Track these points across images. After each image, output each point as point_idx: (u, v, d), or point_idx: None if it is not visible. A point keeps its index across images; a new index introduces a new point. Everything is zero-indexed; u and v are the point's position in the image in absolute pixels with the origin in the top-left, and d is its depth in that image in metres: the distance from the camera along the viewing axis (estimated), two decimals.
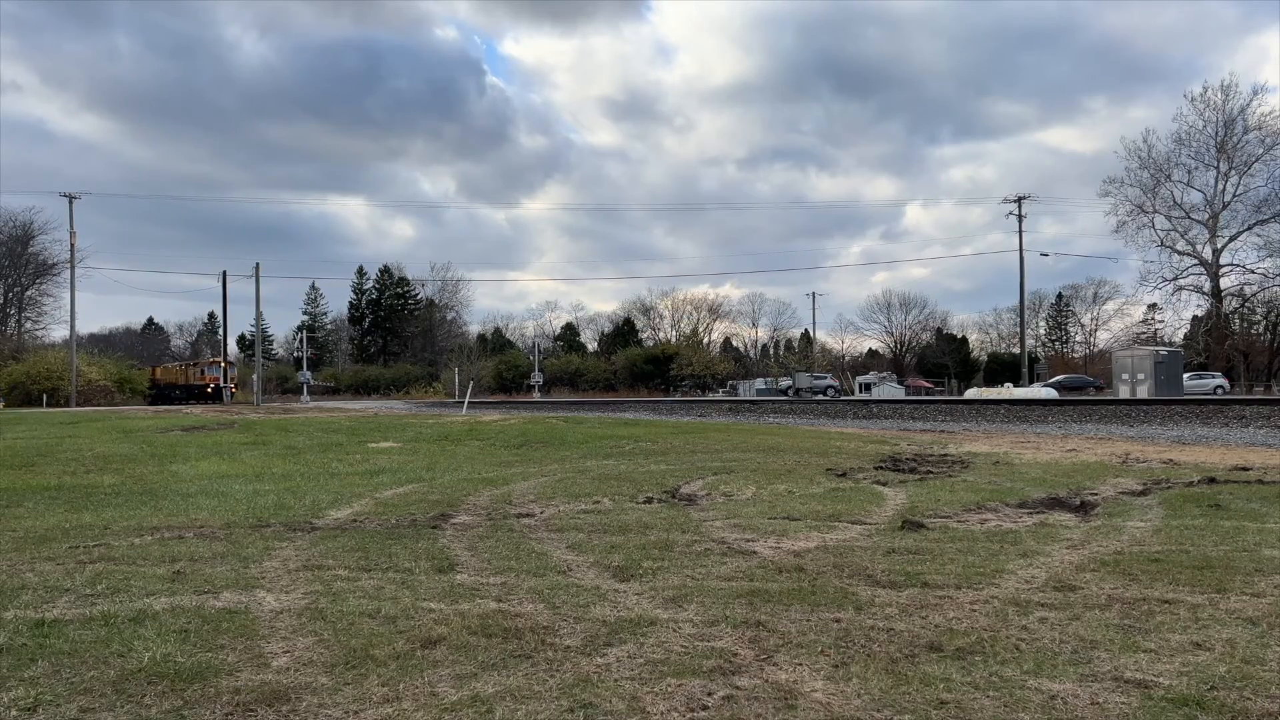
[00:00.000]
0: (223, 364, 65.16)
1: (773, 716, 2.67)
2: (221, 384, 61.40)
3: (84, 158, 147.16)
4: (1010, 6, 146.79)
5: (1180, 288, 62.27)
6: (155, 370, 72.91)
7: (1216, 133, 59.41)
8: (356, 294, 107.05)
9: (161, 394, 63.55)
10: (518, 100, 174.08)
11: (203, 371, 65.27)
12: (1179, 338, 69.55)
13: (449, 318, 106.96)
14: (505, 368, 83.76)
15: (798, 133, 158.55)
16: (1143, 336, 74.31)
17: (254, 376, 58.79)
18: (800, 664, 3.12)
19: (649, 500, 7.36)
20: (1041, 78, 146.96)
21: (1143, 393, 36.98)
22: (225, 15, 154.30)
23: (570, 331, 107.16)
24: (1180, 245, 61.97)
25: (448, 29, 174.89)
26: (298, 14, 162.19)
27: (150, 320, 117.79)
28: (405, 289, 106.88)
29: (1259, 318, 64.95)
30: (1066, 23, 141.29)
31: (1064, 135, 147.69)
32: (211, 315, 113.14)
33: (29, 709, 2.80)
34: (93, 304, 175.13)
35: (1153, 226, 61.83)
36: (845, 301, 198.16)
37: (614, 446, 13.29)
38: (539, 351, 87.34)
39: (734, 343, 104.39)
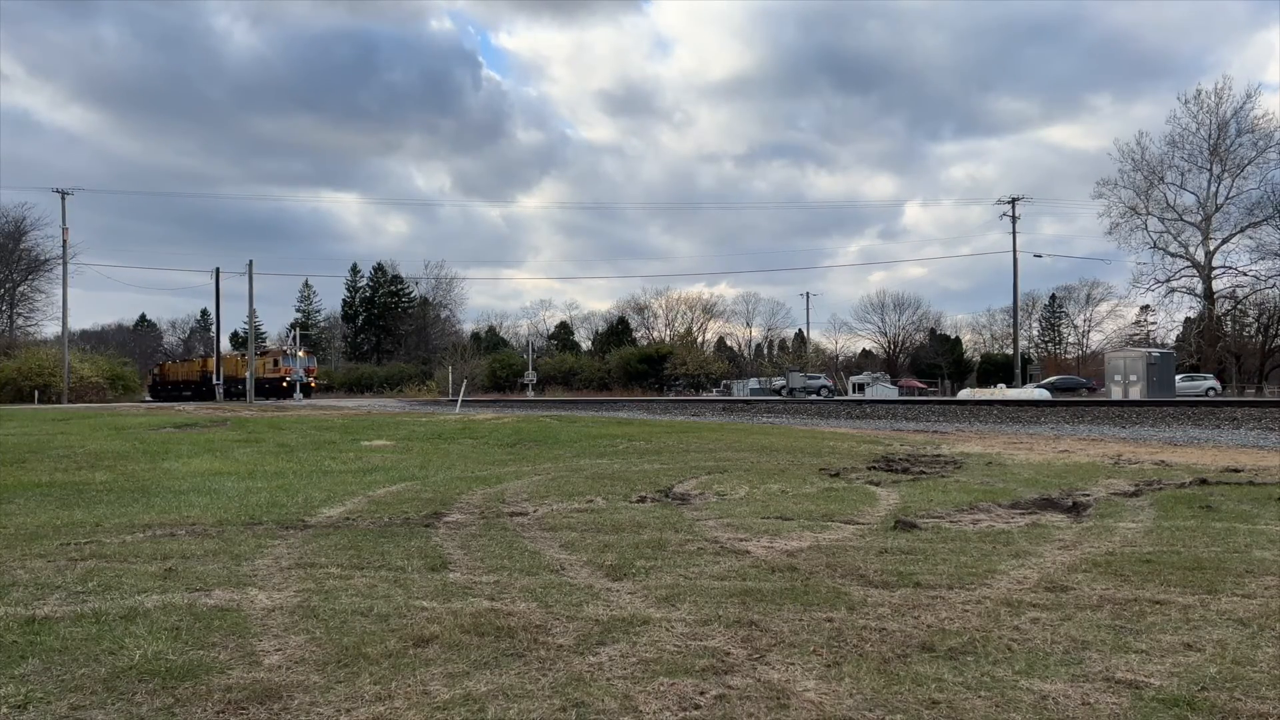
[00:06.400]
0: (299, 354, 61.18)
1: (765, 716, 2.67)
2: (301, 378, 58.02)
3: (71, 150, 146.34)
4: (1015, 1, 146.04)
5: (1173, 290, 62.59)
6: (205, 361, 66.62)
7: (1210, 135, 59.71)
8: (350, 291, 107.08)
9: (212, 389, 58.74)
10: (514, 94, 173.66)
11: (276, 363, 60.55)
12: (1171, 340, 69.94)
13: (443, 316, 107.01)
14: (499, 366, 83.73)
15: (796, 129, 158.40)
16: (1135, 338, 74.70)
17: (247, 374, 58.34)
18: (793, 663, 3.12)
19: (642, 499, 7.36)
20: (1045, 74, 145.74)
21: (1135, 394, 37.14)
22: (215, 4, 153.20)
23: (564, 330, 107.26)
24: (1173, 247, 62.30)
25: (443, 20, 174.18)
26: (290, 4, 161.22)
27: (143, 317, 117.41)
28: (399, 287, 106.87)
29: (1251, 320, 65.26)
30: (1072, 17, 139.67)
31: (1067, 133, 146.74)
32: (204, 312, 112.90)
33: (19, 706, 2.78)
34: (85, 300, 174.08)
35: (1146, 229, 62.17)
36: (841, 301, 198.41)
37: (608, 445, 13.28)
38: (533, 350, 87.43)
39: (728, 342, 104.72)
